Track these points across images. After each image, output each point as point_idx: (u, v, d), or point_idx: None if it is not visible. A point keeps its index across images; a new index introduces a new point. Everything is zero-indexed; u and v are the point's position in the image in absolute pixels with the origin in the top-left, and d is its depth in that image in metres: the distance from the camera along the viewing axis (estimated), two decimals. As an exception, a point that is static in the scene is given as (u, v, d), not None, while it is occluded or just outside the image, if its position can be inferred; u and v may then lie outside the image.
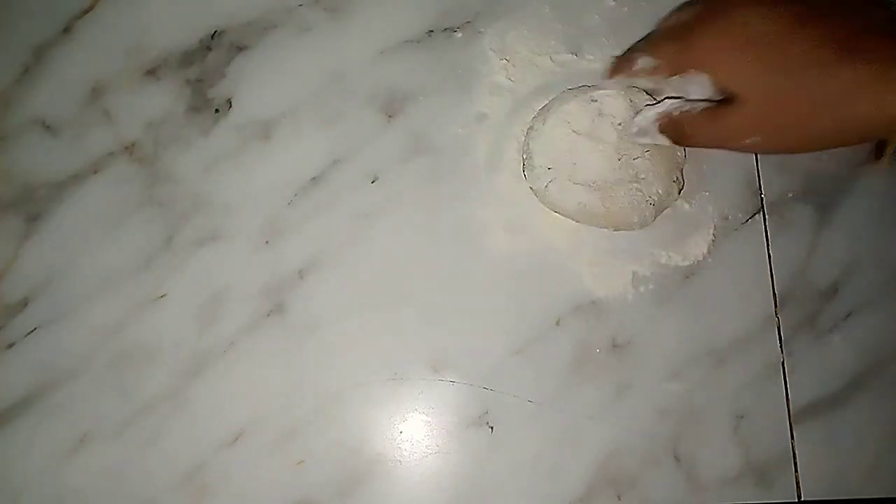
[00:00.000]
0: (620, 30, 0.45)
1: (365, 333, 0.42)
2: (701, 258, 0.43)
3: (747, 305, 0.43)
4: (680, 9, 0.40)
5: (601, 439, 0.41)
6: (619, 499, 0.41)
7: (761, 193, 0.44)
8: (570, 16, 0.45)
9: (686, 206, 0.43)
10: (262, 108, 0.44)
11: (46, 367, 0.41)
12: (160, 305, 0.42)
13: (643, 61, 0.38)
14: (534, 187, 0.41)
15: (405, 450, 0.41)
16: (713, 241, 0.43)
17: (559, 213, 0.41)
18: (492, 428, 0.41)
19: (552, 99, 0.42)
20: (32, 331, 0.41)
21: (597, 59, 0.44)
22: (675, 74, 0.37)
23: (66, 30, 0.44)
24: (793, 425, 0.42)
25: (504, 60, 0.44)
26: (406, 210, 0.43)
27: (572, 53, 0.44)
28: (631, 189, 0.40)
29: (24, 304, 0.42)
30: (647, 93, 0.41)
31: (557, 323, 0.42)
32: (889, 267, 0.44)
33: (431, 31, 0.45)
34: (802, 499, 0.41)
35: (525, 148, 0.42)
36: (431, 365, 0.42)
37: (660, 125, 0.38)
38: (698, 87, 0.37)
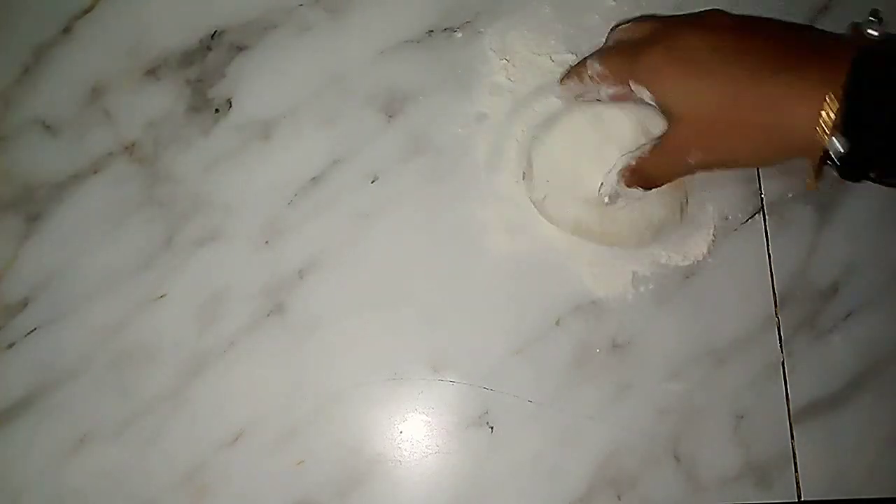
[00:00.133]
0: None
1: (365, 333, 0.42)
2: (701, 258, 0.43)
3: (747, 305, 0.43)
4: (630, 23, 0.42)
5: (601, 439, 0.41)
6: (619, 499, 0.41)
7: (761, 193, 0.44)
8: (570, 16, 0.45)
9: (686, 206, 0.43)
10: (262, 108, 0.44)
11: (46, 367, 0.41)
12: (160, 305, 0.42)
13: (593, 68, 0.39)
14: (531, 197, 0.41)
15: (405, 450, 0.41)
16: (713, 241, 0.43)
17: (555, 225, 0.41)
18: (492, 428, 0.41)
19: (561, 109, 0.42)
20: (32, 331, 0.41)
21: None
22: (621, 85, 0.38)
23: (66, 30, 0.44)
24: (793, 425, 0.42)
25: (504, 60, 0.44)
26: (406, 210, 0.43)
27: (572, 53, 0.44)
28: (632, 210, 0.40)
29: (24, 304, 0.42)
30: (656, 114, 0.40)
31: (557, 323, 0.42)
32: (889, 267, 0.44)
33: (431, 31, 0.45)
34: (802, 499, 0.41)
35: (526, 156, 0.42)
36: (431, 365, 0.42)
37: (625, 181, 0.38)
38: (641, 100, 0.38)
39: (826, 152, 0.32)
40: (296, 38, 0.44)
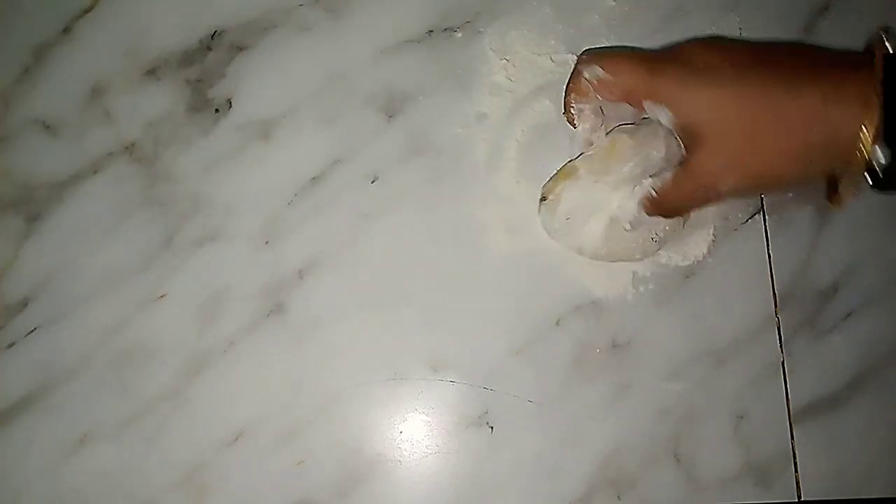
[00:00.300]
0: (620, 30, 0.45)
1: (365, 333, 0.42)
2: (701, 258, 0.43)
3: (747, 305, 0.43)
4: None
5: (601, 439, 0.41)
6: (619, 499, 0.41)
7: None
8: (570, 16, 0.45)
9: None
10: (262, 108, 0.44)
11: (46, 367, 0.41)
12: (160, 305, 0.42)
13: (592, 72, 0.36)
14: (546, 224, 0.41)
15: (405, 450, 0.41)
16: (713, 241, 0.43)
17: (560, 245, 0.41)
18: (492, 428, 0.41)
19: (608, 136, 0.39)
20: (32, 331, 0.41)
21: (597, 59, 0.44)
22: (625, 99, 0.36)
23: (66, 30, 0.44)
24: (793, 425, 0.42)
25: (504, 60, 0.44)
26: (406, 210, 0.43)
27: (572, 53, 0.44)
28: (640, 231, 0.39)
29: (24, 304, 0.42)
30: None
31: (557, 323, 0.42)
32: (889, 267, 0.44)
33: (431, 31, 0.45)
34: (802, 499, 0.41)
35: (554, 187, 0.40)
36: (431, 365, 0.42)
37: (645, 209, 0.37)
38: (660, 136, 0.36)
39: (868, 164, 0.31)
40: (296, 38, 0.44)
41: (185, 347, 0.41)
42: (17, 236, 0.42)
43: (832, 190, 0.35)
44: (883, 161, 0.31)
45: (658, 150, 0.37)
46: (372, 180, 0.43)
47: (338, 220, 0.43)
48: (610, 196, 0.39)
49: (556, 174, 0.40)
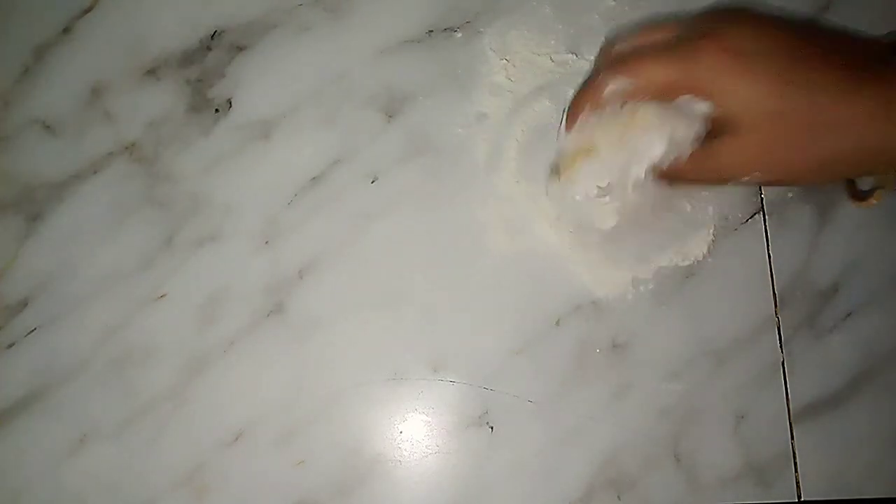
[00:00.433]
0: (620, 30, 0.45)
1: (365, 333, 0.42)
2: (701, 258, 0.43)
3: (747, 305, 0.43)
4: (640, 31, 0.36)
5: (601, 439, 0.41)
6: (619, 499, 0.41)
7: (761, 193, 0.44)
8: (570, 16, 0.45)
9: (686, 206, 0.43)
10: (262, 108, 0.44)
11: (46, 367, 0.41)
12: (160, 305, 0.42)
13: (616, 83, 0.33)
14: (554, 200, 0.40)
15: (405, 450, 0.41)
16: (713, 241, 0.43)
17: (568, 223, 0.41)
18: (492, 428, 0.41)
19: (628, 107, 0.36)
20: (32, 331, 0.41)
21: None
22: (659, 98, 0.33)
23: (66, 30, 0.44)
24: (793, 425, 0.42)
25: (504, 60, 0.44)
26: (406, 210, 0.43)
27: (572, 53, 0.44)
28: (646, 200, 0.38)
29: (24, 304, 0.42)
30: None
31: (557, 323, 0.42)
32: (889, 267, 0.44)
33: (431, 30, 0.45)
34: (802, 499, 0.41)
35: (572, 164, 0.38)
36: (431, 365, 0.42)
37: (652, 173, 0.35)
38: (688, 116, 0.33)
39: None
40: (296, 38, 0.44)
41: (185, 347, 0.41)
42: (17, 236, 0.42)
43: (854, 187, 0.34)
44: None
45: (682, 130, 0.34)
46: (372, 180, 0.43)
47: (338, 220, 0.43)
48: (626, 172, 0.37)
49: (570, 152, 0.38)
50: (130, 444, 0.40)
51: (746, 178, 0.33)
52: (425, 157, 0.43)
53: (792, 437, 0.42)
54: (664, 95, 0.33)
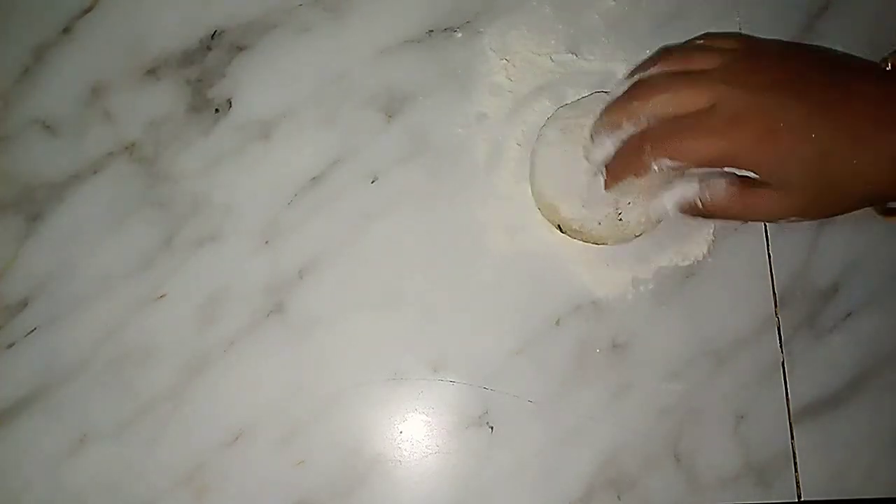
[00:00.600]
0: (620, 30, 0.45)
1: (365, 333, 0.42)
2: (701, 258, 0.43)
3: (747, 305, 0.43)
4: (673, 57, 0.37)
5: (601, 439, 0.41)
6: (619, 499, 0.41)
7: (761, 193, 0.44)
8: (570, 16, 0.45)
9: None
10: (262, 108, 0.44)
11: (46, 367, 0.41)
12: (160, 305, 0.42)
13: (661, 164, 0.35)
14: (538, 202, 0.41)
15: (405, 450, 0.41)
16: (713, 241, 0.43)
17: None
18: (492, 428, 0.41)
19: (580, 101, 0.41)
20: (32, 331, 0.41)
21: (597, 59, 0.44)
22: (699, 167, 0.35)
23: (66, 30, 0.44)
24: (793, 425, 0.42)
25: (504, 60, 0.44)
26: (406, 210, 0.43)
27: (572, 53, 0.44)
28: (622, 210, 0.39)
29: (24, 304, 0.42)
30: None
31: (557, 323, 0.42)
32: (889, 267, 0.44)
33: (431, 31, 0.45)
34: (802, 499, 0.41)
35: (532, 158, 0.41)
36: (431, 365, 0.42)
37: (681, 209, 0.37)
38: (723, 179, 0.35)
39: None
40: (296, 38, 0.44)
41: (185, 347, 0.41)
42: (17, 236, 0.42)
43: (883, 205, 0.36)
44: None
45: (719, 182, 0.36)
46: (372, 180, 0.43)
47: (338, 220, 0.43)
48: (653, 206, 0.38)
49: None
50: (130, 444, 0.40)
51: (776, 219, 0.36)
52: (425, 157, 0.43)
53: (792, 437, 0.42)
54: (700, 165, 0.35)
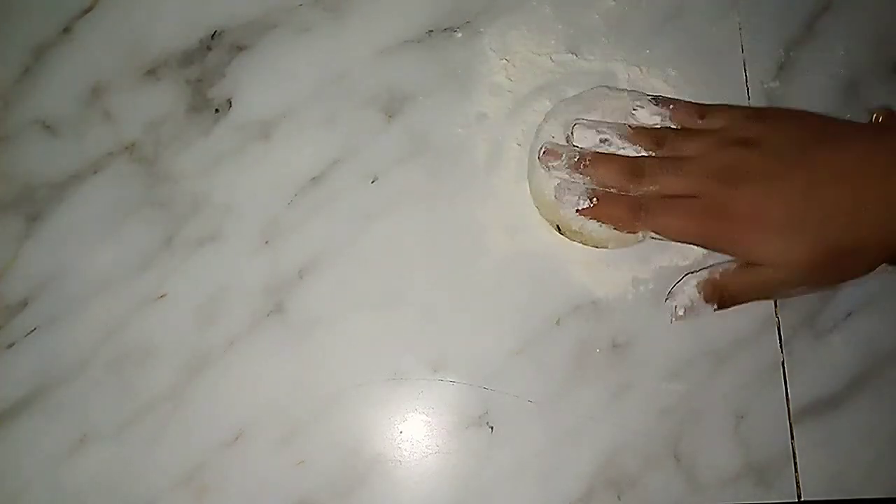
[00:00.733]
0: (620, 30, 0.45)
1: (365, 333, 0.42)
2: (701, 258, 0.43)
3: (747, 305, 0.43)
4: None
5: (601, 439, 0.41)
6: (619, 499, 0.41)
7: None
8: (570, 16, 0.45)
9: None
10: (262, 108, 0.44)
11: (46, 367, 0.41)
12: (160, 305, 0.42)
13: (646, 234, 0.38)
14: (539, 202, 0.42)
15: (405, 450, 0.41)
16: (713, 241, 0.43)
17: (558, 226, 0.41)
18: (492, 428, 0.41)
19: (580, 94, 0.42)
20: (32, 331, 0.41)
21: (597, 59, 0.44)
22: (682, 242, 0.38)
23: (66, 30, 0.44)
24: (793, 425, 0.42)
25: (504, 60, 0.44)
26: (406, 210, 0.43)
27: (572, 53, 0.44)
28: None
29: (24, 304, 0.42)
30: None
31: (557, 323, 0.42)
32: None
33: (431, 31, 0.45)
34: (802, 499, 0.41)
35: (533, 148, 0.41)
36: (431, 365, 0.42)
37: (705, 295, 0.38)
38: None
39: None
40: (296, 38, 0.44)
41: (185, 347, 0.41)
42: (17, 236, 0.42)
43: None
44: None
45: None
46: (372, 180, 0.43)
47: (338, 220, 0.43)
48: None
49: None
50: (130, 444, 0.40)
51: (793, 294, 0.38)
52: (425, 157, 0.43)
53: (792, 437, 0.42)
54: (707, 247, 0.38)
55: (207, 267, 0.42)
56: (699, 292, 0.38)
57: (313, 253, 0.42)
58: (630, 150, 0.39)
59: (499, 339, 0.42)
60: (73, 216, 0.42)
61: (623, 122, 0.41)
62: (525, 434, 0.41)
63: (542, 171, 0.40)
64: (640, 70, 0.44)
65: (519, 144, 0.43)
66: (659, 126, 0.40)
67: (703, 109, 0.40)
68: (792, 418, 0.42)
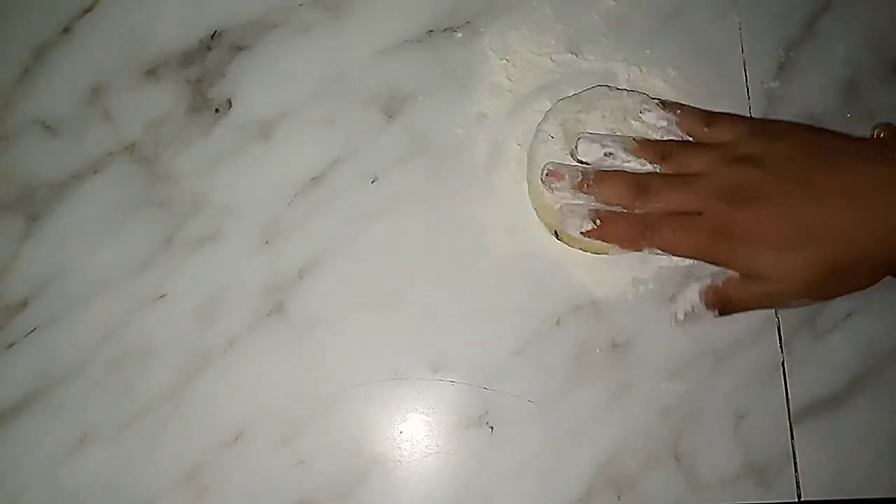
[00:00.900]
0: (620, 30, 0.45)
1: (365, 333, 0.42)
2: (701, 258, 0.43)
3: (747, 306, 0.43)
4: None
5: (601, 439, 0.41)
6: (619, 499, 0.41)
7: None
8: (570, 16, 0.45)
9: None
10: (262, 108, 0.44)
11: (46, 367, 0.41)
12: (160, 305, 0.42)
13: (650, 250, 0.38)
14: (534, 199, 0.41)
15: (405, 450, 0.41)
16: (713, 241, 0.43)
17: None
18: (492, 428, 0.41)
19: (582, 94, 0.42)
20: (32, 331, 0.41)
21: (597, 59, 0.44)
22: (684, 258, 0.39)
23: (66, 30, 0.44)
24: (793, 425, 0.42)
25: (504, 60, 0.44)
26: (406, 210, 0.43)
27: (572, 53, 0.44)
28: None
29: (24, 304, 0.42)
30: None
31: (557, 323, 0.42)
32: (889, 267, 0.43)
33: (431, 31, 0.45)
34: (802, 499, 0.41)
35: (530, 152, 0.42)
36: (431, 365, 0.42)
37: (706, 301, 0.38)
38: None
39: None
40: (296, 38, 0.44)
41: (185, 347, 0.41)
42: (17, 236, 0.42)
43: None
44: None
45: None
46: (372, 180, 0.43)
47: (338, 220, 0.43)
48: None
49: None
50: (130, 444, 0.40)
51: (794, 304, 0.38)
52: (425, 157, 0.43)
53: (792, 437, 0.42)
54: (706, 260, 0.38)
55: (207, 267, 0.42)
56: (701, 298, 0.38)
57: (313, 253, 0.42)
58: (634, 164, 0.39)
59: (499, 339, 0.42)
60: (73, 216, 0.42)
61: (623, 121, 0.41)
62: (525, 434, 0.41)
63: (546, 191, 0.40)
64: (640, 70, 0.44)
65: (519, 144, 0.43)
66: (664, 133, 0.41)
67: (709, 118, 0.40)
68: (792, 418, 0.42)
